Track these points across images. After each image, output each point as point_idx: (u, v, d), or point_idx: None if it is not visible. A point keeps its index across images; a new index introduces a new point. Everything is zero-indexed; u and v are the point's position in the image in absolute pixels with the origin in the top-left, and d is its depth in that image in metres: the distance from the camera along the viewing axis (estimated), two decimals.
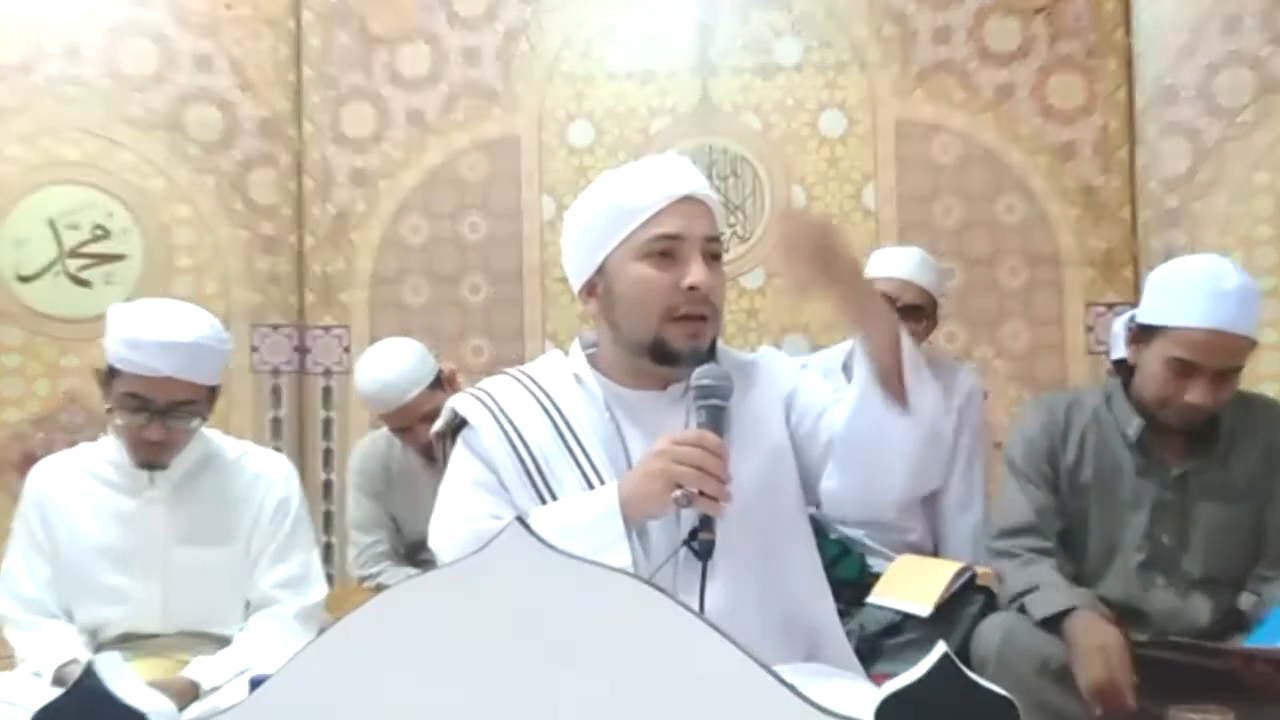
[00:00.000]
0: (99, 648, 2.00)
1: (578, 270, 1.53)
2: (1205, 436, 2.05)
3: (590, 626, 0.83)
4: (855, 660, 1.53)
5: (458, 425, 1.54)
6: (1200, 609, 2.03)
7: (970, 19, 3.47)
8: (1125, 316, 2.42)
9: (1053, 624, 1.93)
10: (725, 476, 1.32)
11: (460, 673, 0.84)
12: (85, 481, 2.06)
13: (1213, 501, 2.04)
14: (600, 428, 1.48)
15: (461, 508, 1.47)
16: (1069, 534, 2.10)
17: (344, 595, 2.70)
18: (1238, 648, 1.90)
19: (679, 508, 1.33)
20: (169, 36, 3.42)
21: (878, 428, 1.38)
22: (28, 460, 2.57)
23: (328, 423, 3.62)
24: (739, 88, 3.54)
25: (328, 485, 3.59)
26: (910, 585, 2.30)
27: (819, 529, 1.68)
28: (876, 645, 2.19)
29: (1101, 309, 3.37)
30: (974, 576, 2.31)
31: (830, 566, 1.85)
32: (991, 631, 1.99)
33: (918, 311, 2.68)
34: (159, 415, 1.95)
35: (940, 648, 0.83)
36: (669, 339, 1.44)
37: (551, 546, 0.85)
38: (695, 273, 1.43)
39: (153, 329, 1.92)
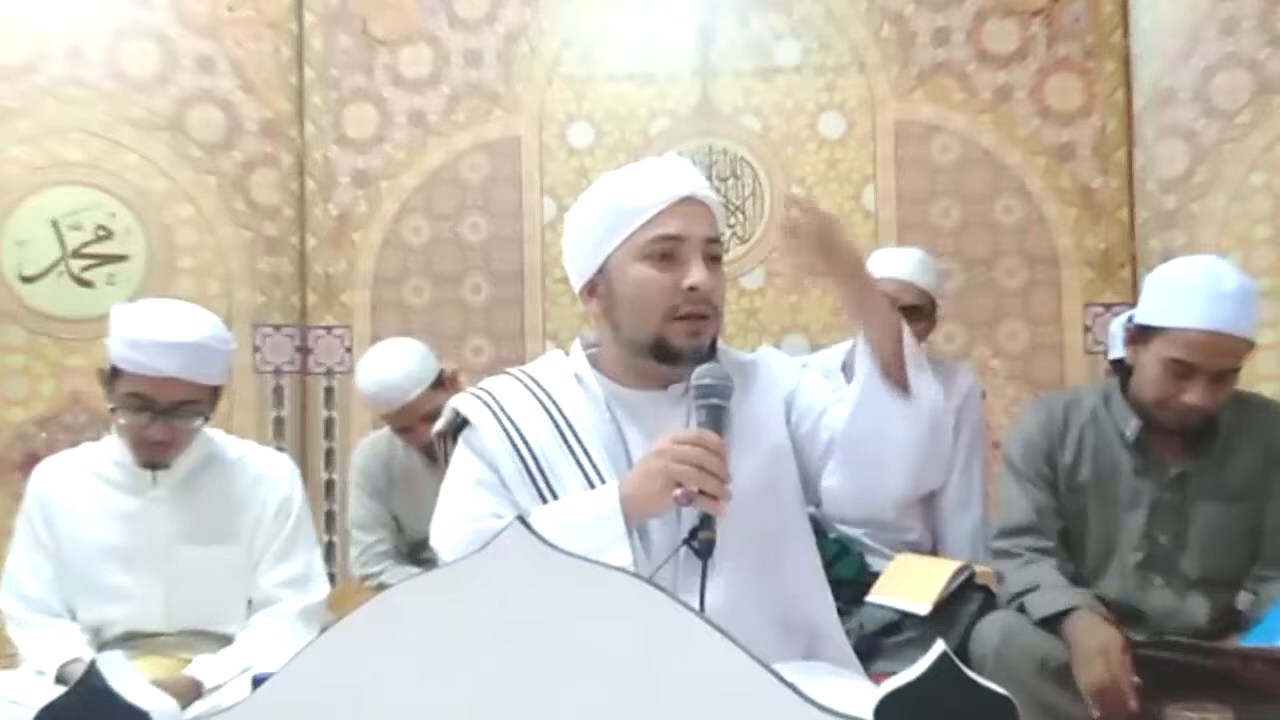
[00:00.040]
0: (102, 646, 2.00)
1: (579, 270, 1.53)
2: (1203, 437, 2.05)
3: (591, 625, 0.84)
4: (854, 659, 1.53)
5: (459, 425, 1.54)
6: (1198, 609, 2.03)
7: (969, 21, 3.47)
8: (1123, 317, 2.42)
9: (1052, 624, 1.94)
10: (725, 475, 1.32)
11: (461, 671, 0.84)
12: (88, 481, 2.07)
13: (1210, 501, 2.05)
14: (601, 427, 1.48)
15: (463, 507, 1.47)
16: (1067, 534, 2.11)
17: (346, 594, 2.71)
18: (1235, 647, 1.91)
19: (679, 507, 1.33)
20: (171, 38, 3.43)
21: (882, 419, 1.38)
22: (31, 460, 2.57)
23: (330, 422, 3.63)
24: (739, 89, 3.55)
25: (330, 485, 3.60)
26: (909, 584, 2.30)
27: (818, 528, 1.68)
28: (875, 644, 2.19)
29: (1099, 309, 3.38)
30: (972, 575, 2.32)
31: (829, 565, 1.85)
32: (990, 630, 1.99)
33: (917, 312, 2.69)
34: (162, 415, 1.95)
35: (939, 646, 0.83)
36: (670, 338, 1.45)
37: (552, 546, 0.85)
38: (696, 273, 1.43)
39: (156, 329, 1.93)
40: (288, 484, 2.14)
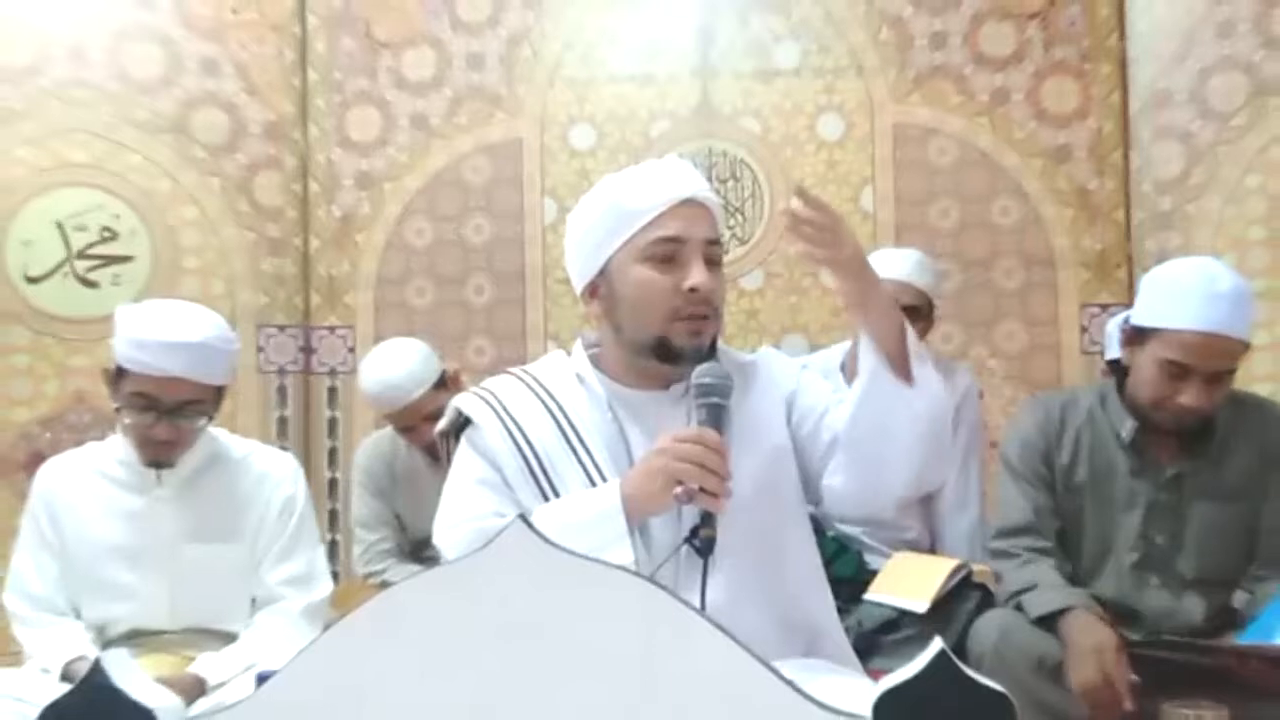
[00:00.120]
0: (107, 644, 2.00)
1: (580, 272, 1.54)
2: (1199, 437, 2.05)
3: (592, 623, 0.85)
4: (854, 656, 1.54)
5: (462, 424, 1.55)
6: (1194, 609, 2.04)
7: (966, 24, 3.49)
8: (1119, 318, 2.42)
9: (1048, 623, 1.94)
10: (726, 473, 1.33)
11: (463, 669, 0.85)
12: (93, 480, 2.07)
13: (1206, 502, 2.04)
14: (603, 427, 1.49)
15: (465, 506, 1.47)
16: (1064, 534, 2.11)
17: (349, 592, 2.72)
18: (1231, 645, 1.91)
19: (680, 505, 1.34)
20: (175, 41, 3.44)
21: (887, 413, 1.38)
22: (36, 460, 2.57)
23: (333, 422, 3.64)
24: (739, 91, 3.56)
25: (333, 483, 3.61)
26: (907, 582, 2.30)
27: (816, 526, 1.68)
28: (874, 641, 2.19)
29: (1096, 310, 3.39)
30: (970, 573, 2.31)
31: (828, 564, 1.84)
32: (988, 628, 2.00)
33: (915, 312, 2.68)
34: (167, 414, 1.96)
35: (937, 644, 0.84)
36: (671, 337, 1.45)
37: (554, 544, 0.86)
38: (696, 275, 1.44)
39: (160, 329, 1.93)
40: (291, 483, 2.15)
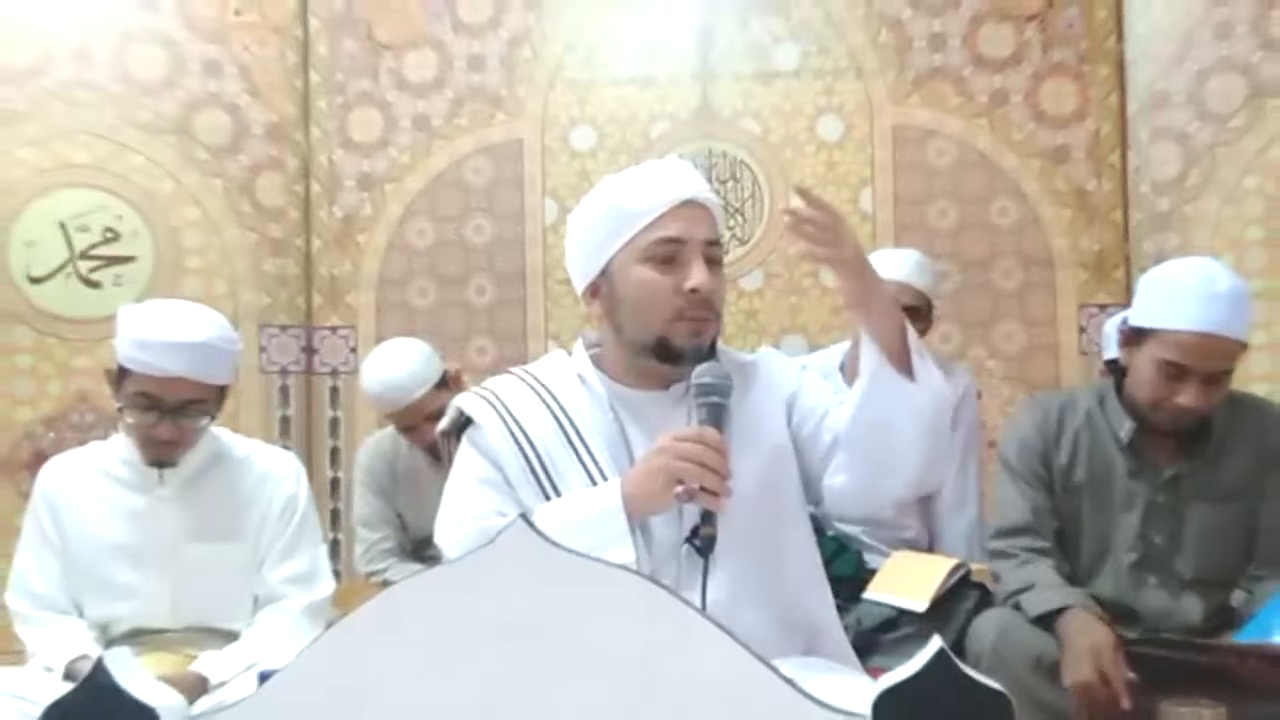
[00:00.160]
0: (109, 643, 2.00)
1: (581, 272, 1.54)
2: (1197, 438, 2.05)
3: (593, 622, 0.85)
4: (853, 655, 1.54)
5: (463, 424, 1.55)
6: (1192, 609, 2.03)
7: (965, 26, 3.50)
8: (1117, 318, 2.42)
9: (1046, 622, 1.94)
10: (726, 472, 1.33)
11: (464, 668, 0.85)
12: (96, 479, 2.07)
13: (1204, 502, 2.04)
14: (604, 427, 1.49)
15: (467, 505, 1.48)
16: (1062, 534, 2.11)
17: (351, 590, 2.73)
18: (1229, 644, 1.91)
19: (681, 504, 1.34)
20: (178, 42, 3.45)
21: (889, 408, 1.38)
22: (39, 459, 2.57)
23: (335, 422, 3.66)
24: (738, 93, 3.57)
25: (335, 483, 3.63)
26: (906, 581, 2.30)
27: (816, 525, 1.69)
28: (873, 640, 2.19)
29: (1094, 310, 3.40)
30: (968, 572, 2.32)
31: (828, 563, 1.84)
32: (986, 627, 2.00)
33: (914, 313, 2.68)
34: (169, 414, 1.96)
35: (936, 642, 0.84)
36: (672, 337, 1.45)
37: (555, 543, 0.86)
38: (696, 275, 1.44)
39: (163, 329, 1.93)
40: (293, 482, 2.15)
